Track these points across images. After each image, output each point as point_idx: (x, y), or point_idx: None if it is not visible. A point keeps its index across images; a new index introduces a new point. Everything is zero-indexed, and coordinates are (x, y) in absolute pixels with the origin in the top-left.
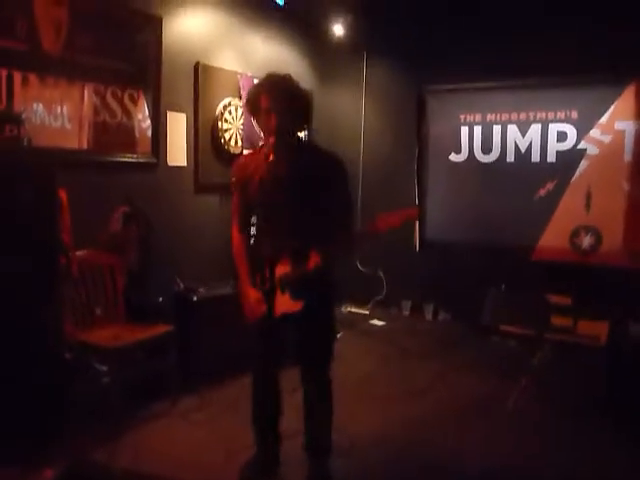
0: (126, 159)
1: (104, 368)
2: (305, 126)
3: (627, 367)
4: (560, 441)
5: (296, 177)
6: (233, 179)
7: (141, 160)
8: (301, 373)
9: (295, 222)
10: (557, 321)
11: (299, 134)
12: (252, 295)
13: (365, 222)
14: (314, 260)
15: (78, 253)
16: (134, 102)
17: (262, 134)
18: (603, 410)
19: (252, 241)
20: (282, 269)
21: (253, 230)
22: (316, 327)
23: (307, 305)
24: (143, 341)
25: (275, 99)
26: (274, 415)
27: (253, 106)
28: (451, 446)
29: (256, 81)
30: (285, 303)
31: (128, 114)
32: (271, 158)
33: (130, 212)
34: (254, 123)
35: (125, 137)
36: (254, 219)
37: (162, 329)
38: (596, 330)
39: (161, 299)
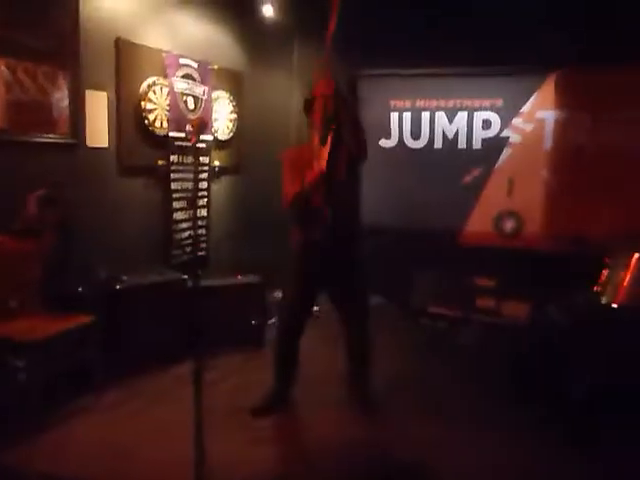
0: (42, 139)
1: (20, 363)
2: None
3: (545, 346)
4: (484, 420)
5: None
6: (286, 162)
7: (59, 141)
8: (343, 301)
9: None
10: (482, 303)
11: None
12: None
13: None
14: None
15: None
16: (50, 79)
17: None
18: (524, 388)
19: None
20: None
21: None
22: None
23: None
24: (63, 333)
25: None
26: (297, 344)
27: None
28: (378, 427)
29: (187, 61)
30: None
31: (44, 92)
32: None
33: (47, 195)
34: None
35: (41, 116)
36: None
37: (82, 320)
38: (518, 311)
39: (81, 289)
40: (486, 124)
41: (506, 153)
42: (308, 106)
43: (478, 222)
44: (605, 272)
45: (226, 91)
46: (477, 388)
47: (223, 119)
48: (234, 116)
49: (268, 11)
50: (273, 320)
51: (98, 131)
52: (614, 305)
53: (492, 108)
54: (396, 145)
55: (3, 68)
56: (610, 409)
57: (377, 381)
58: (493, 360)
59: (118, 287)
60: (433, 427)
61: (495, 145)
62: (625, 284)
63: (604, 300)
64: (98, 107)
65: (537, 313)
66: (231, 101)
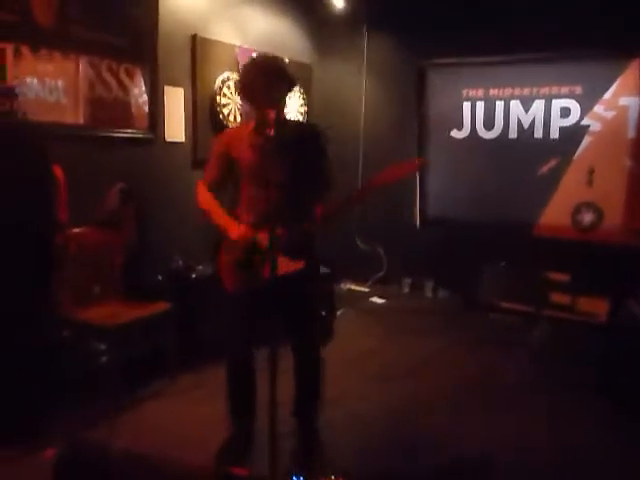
0: (122, 134)
1: (103, 347)
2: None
3: (627, 346)
4: (557, 420)
5: (286, 148)
6: (217, 146)
7: (138, 135)
8: (293, 347)
9: (287, 187)
10: (556, 298)
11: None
12: (239, 227)
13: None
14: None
15: (75, 230)
16: (130, 76)
17: (251, 109)
18: (602, 388)
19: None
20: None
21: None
22: (304, 299)
23: (306, 265)
24: (141, 319)
25: (269, 78)
26: (252, 397)
27: (245, 84)
28: (450, 423)
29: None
30: (282, 264)
31: (124, 88)
32: (264, 132)
33: (127, 189)
34: (241, 100)
35: (121, 112)
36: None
37: (161, 307)
38: (595, 308)
39: (160, 277)
40: (564, 112)
41: (586, 142)
42: (247, 87)
43: (555, 214)
44: None
45: None
46: (551, 386)
47: (293, 111)
48: (304, 108)
49: (338, 2)
50: (341, 311)
51: (175, 126)
52: None
53: (571, 95)
54: (468, 135)
55: (88, 67)
56: None
57: (448, 378)
58: (568, 357)
59: (194, 276)
60: (505, 425)
61: (574, 134)
62: None
63: None
64: (175, 102)
65: (619, 310)
66: (301, 93)
